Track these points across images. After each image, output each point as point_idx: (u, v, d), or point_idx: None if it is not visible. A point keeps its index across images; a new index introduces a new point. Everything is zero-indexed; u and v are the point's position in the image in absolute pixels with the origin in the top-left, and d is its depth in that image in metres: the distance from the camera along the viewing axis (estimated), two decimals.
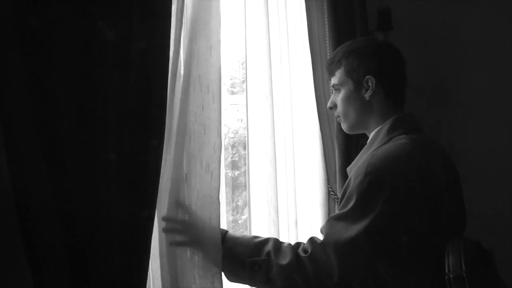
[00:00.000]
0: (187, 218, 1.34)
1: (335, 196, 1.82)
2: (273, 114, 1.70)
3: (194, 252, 1.34)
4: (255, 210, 1.71)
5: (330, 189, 1.85)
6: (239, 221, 1.93)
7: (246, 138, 1.72)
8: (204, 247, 1.34)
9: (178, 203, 1.33)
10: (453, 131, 1.85)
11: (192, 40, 1.32)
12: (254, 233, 1.71)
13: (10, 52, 1.03)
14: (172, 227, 1.32)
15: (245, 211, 1.80)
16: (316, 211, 1.87)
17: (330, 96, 1.81)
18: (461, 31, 2.15)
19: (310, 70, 1.82)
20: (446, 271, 1.27)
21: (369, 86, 1.47)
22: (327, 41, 1.81)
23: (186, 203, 1.33)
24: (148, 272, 1.33)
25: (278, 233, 1.71)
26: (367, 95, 1.48)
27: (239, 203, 1.92)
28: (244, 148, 1.79)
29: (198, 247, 1.34)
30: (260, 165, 1.70)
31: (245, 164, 1.79)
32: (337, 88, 1.53)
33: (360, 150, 1.52)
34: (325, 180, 1.87)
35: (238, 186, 1.93)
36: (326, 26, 1.80)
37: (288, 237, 1.80)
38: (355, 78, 1.48)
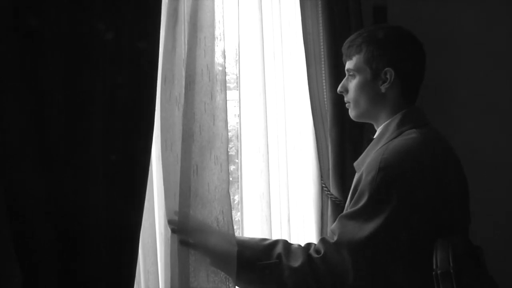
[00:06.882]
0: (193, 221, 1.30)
1: (328, 192, 1.82)
2: (266, 111, 1.71)
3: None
4: (248, 205, 1.72)
5: (323, 185, 1.85)
6: (236, 217, 1.93)
7: (238, 134, 1.73)
8: (212, 252, 1.30)
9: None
10: (451, 131, 1.85)
11: (196, 30, 1.30)
12: (246, 228, 1.72)
13: (2, 51, 1.03)
14: (181, 228, 1.29)
15: (239, 206, 1.81)
16: (309, 207, 1.87)
17: (323, 92, 1.82)
18: (458, 28, 2.16)
19: (303, 67, 1.82)
20: (434, 267, 1.27)
21: (387, 78, 1.44)
22: (321, 38, 1.81)
23: (197, 195, 1.30)
24: (140, 270, 1.34)
25: (271, 229, 1.72)
26: (383, 87, 1.44)
27: (236, 199, 1.91)
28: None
29: (206, 252, 1.30)
30: (253, 161, 1.70)
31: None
32: (351, 73, 1.49)
33: (367, 144, 1.50)
34: (319, 176, 1.87)
35: (234, 181, 1.94)
36: (320, 22, 1.80)
37: (281, 233, 1.80)
38: (374, 68, 1.44)
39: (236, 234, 1.34)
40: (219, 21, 1.31)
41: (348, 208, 1.39)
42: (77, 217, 1.07)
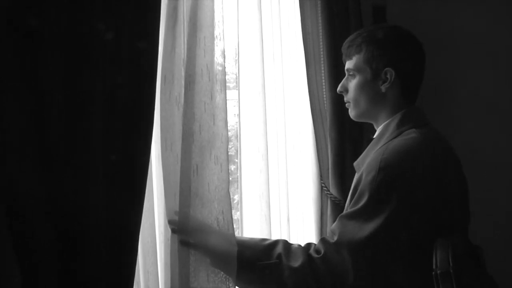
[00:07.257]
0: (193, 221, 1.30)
1: (328, 192, 1.82)
2: (265, 110, 1.70)
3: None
4: (247, 205, 1.71)
5: (323, 184, 1.85)
6: (235, 217, 1.93)
7: (238, 134, 1.73)
8: (212, 252, 1.30)
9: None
10: (451, 131, 1.85)
11: (195, 30, 1.30)
12: (246, 228, 1.71)
13: (2, 51, 1.03)
14: (181, 228, 1.29)
15: (239, 206, 1.81)
16: (308, 207, 1.87)
17: (323, 92, 1.82)
18: (458, 28, 2.16)
19: (303, 67, 1.82)
20: (434, 267, 1.27)
21: (387, 78, 1.44)
22: (321, 37, 1.81)
23: (197, 195, 1.29)
24: (140, 270, 1.34)
25: (270, 229, 1.72)
26: (383, 87, 1.45)
27: (235, 199, 1.92)
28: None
29: (206, 252, 1.30)
30: (252, 161, 1.70)
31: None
32: (351, 73, 1.49)
33: (367, 144, 1.50)
34: (318, 176, 1.87)
35: (233, 181, 1.94)
36: (320, 22, 1.81)
37: (280, 233, 1.80)
38: (374, 68, 1.45)
39: (236, 234, 1.34)
40: (218, 21, 1.31)
41: (348, 208, 1.39)
42: (77, 217, 1.06)
